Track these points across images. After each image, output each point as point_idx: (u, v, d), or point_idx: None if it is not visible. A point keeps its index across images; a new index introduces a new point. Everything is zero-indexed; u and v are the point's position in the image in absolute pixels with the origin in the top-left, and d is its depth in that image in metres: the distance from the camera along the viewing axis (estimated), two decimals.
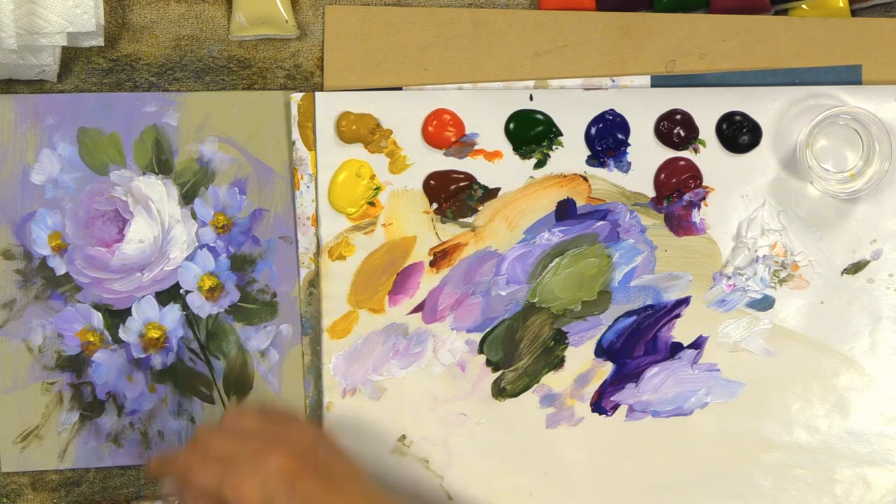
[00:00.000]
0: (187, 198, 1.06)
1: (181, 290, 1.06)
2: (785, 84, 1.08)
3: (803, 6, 1.09)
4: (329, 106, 1.07)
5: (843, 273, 1.08)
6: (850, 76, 1.08)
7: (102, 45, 1.03)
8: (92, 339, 1.05)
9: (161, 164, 1.06)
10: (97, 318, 1.05)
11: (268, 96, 1.07)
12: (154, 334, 1.05)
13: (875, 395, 1.08)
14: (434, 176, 1.07)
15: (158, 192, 1.06)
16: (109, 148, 1.06)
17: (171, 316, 1.06)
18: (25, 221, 1.05)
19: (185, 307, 1.06)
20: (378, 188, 1.07)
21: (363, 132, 1.07)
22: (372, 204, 1.07)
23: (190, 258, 1.05)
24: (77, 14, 1.00)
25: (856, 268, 1.08)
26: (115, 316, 1.05)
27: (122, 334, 1.05)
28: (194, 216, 1.06)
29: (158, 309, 1.05)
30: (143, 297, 1.05)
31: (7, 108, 1.05)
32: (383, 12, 1.07)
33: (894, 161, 1.05)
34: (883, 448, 1.07)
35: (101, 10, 1.01)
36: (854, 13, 1.09)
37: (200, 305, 1.06)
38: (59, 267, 1.05)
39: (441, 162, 1.07)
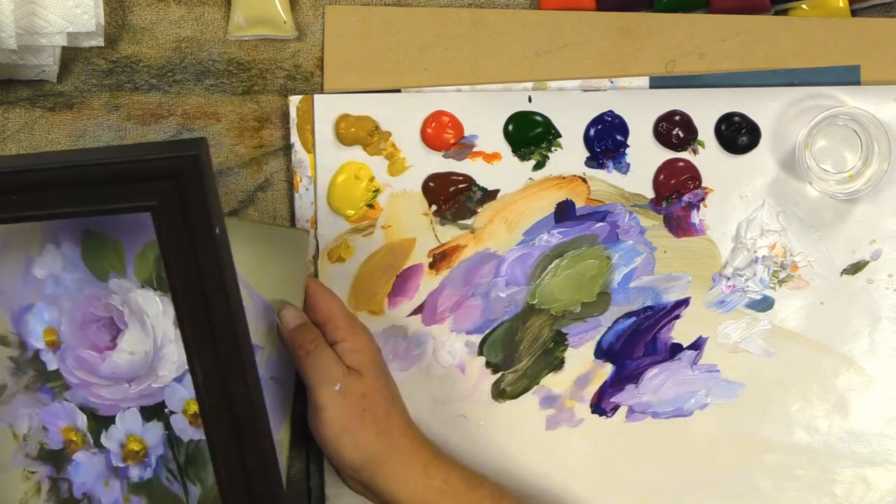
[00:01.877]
0: None
1: (166, 410, 1.01)
2: (784, 84, 1.08)
3: (803, 6, 1.09)
4: (328, 108, 1.07)
5: (842, 273, 1.07)
6: (849, 76, 1.08)
7: (102, 45, 1.03)
8: (75, 438, 1.02)
9: (161, 280, 1.01)
10: (81, 420, 1.02)
11: (285, 233, 1.04)
12: (134, 447, 1.02)
13: (875, 396, 1.08)
14: (433, 178, 1.07)
15: (155, 308, 1.01)
16: (111, 255, 1.01)
17: (154, 433, 1.02)
18: (24, 312, 1.02)
19: (168, 427, 1.02)
20: (377, 190, 1.07)
21: (362, 134, 1.07)
22: (371, 206, 1.07)
23: (178, 380, 1.01)
24: (77, 14, 1.00)
25: (855, 268, 1.07)
26: (100, 421, 1.02)
27: (104, 440, 1.02)
28: None
29: (142, 423, 1.01)
30: (128, 408, 1.01)
31: None
32: (383, 12, 1.07)
33: (893, 161, 1.05)
34: (883, 448, 1.07)
35: (101, 10, 1.01)
36: (854, 13, 1.09)
37: (183, 429, 1.01)
38: (52, 362, 1.02)
39: (440, 164, 1.07)
